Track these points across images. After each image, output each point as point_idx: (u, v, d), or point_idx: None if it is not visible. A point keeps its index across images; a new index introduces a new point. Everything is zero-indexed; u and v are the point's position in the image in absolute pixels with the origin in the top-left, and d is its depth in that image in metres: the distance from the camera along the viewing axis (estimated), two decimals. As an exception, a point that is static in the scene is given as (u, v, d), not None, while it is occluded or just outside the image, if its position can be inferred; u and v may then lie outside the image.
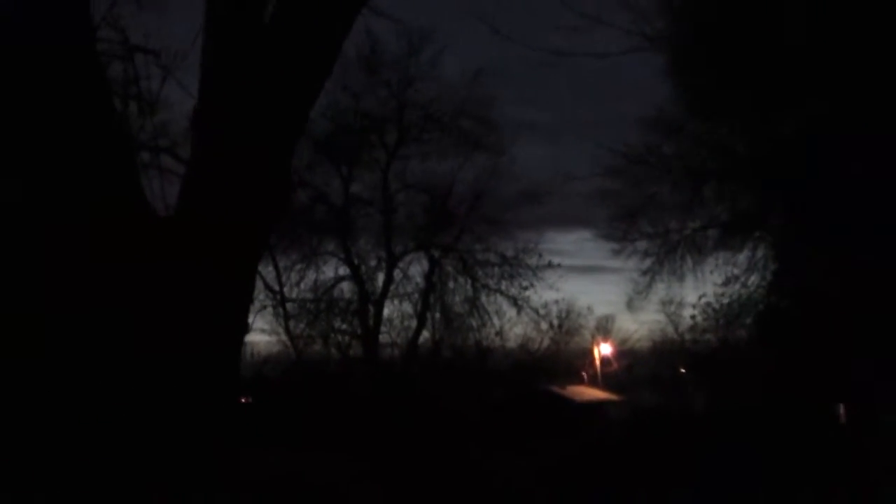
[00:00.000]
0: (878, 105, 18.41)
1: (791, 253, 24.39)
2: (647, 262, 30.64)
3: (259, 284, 33.38)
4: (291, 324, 36.43)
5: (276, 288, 35.92)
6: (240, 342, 6.26)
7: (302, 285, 36.70)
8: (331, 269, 37.16)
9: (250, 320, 8.16)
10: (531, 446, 26.52)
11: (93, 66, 5.92)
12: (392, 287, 37.08)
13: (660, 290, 31.95)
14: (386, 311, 37.09)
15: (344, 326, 36.97)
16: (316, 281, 36.88)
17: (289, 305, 36.48)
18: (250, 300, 6.58)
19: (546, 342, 39.87)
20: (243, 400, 32.64)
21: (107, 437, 5.41)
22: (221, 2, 6.21)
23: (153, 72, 10.90)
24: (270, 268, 35.04)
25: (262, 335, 36.58)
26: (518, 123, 68.37)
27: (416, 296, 37.59)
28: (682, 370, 40.18)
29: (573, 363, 48.37)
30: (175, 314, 5.65)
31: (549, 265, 37.34)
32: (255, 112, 5.97)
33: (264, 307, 35.71)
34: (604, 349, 53.45)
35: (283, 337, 36.64)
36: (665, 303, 38.16)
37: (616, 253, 31.39)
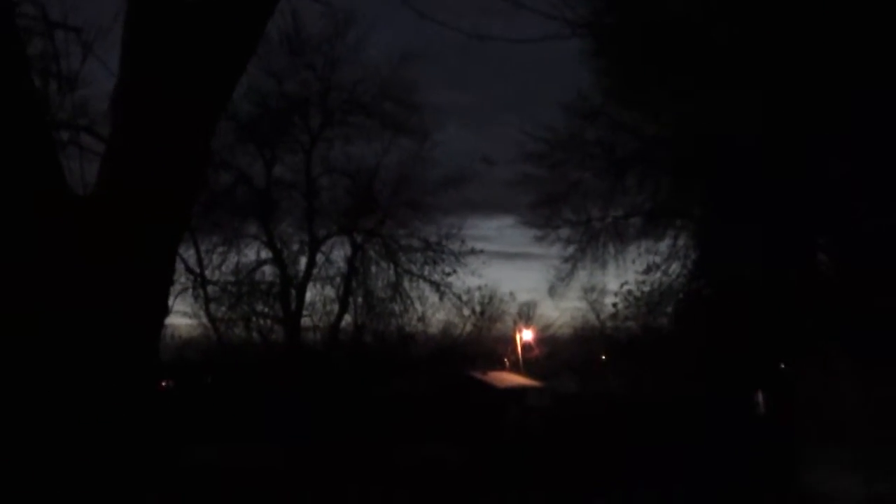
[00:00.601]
0: (801, 97, 18.67)
1: (711, 241, 24.65)
2: (570, 250, 30.82)
3: (180, 266, 33.00)
4: (212, 307, 36.01)
5: (197, 270, 35.52)
6: (160, 324, 6.18)
7: (223, 268, 36.25)
8: (253, 252, 36.85)
9: (170, 302, 8.07)
10: (450, 432, 26.59)
11: (12, 42, 5.79)
12: (314, 271, 36.91)
13: (582, 277, 32.19)
14: (308, 296, 36.91)
15: (266, 310, 36.67)
16: (237, 264, 36.51)
17: (210, 288, 36.04)
18: (171, 281, 6.49)
19: (468, 328, 39.87)
20: (164, 384, 32.36)
21: (23, 432, 5.32)
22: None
23: (73, 49, 10.68)
24: (192, 250, 34.63)
25: (182, 318, 36.23)
26: (443, 105, 68.19)
27: (339, 280, 37.48)
28: (603, 357, 40.59)
29: (495, 349, 48.70)
30: (93, 295, 5.55)
31: (472, 251, 37.43)
32: (175, 90, 5.88)
33: (185, 289, 35.28)
34: (525, 335, 54.07)
35: (204, 320, 36.19)
36: (587, 290, 38.64)
37: (538, 240, 31.52)
